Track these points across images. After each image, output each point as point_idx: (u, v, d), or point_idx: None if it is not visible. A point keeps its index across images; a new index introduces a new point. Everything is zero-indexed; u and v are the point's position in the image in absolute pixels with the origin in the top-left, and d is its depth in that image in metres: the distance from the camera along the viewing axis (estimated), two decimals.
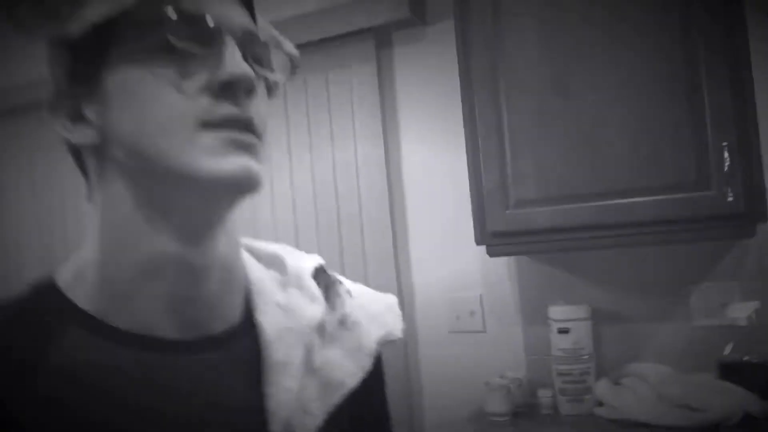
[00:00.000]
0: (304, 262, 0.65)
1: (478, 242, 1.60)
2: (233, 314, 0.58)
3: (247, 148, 0.51)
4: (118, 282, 0.53)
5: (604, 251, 1.70)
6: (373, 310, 0.67)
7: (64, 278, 0.55)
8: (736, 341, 1.54)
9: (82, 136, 0.53)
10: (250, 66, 0.52)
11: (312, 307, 0.62)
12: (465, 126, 1.61)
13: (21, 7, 0.50)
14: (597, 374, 1.67)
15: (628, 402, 1.55)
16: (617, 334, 1.73)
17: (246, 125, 0.51)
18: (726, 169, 1.36)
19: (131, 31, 0.50)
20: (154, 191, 0.51)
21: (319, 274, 0.65)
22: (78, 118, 0.53)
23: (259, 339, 0.57)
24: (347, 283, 0.68)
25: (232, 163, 0.49)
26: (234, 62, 0.50)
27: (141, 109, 0.50)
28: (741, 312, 1.52)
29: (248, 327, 0.58)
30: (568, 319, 1.66)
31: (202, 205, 0.52)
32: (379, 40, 1.96)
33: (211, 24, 0.51)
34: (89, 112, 0.52)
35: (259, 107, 0.53)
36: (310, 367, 0.59)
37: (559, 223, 1.51)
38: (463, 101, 1.61)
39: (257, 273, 0.61)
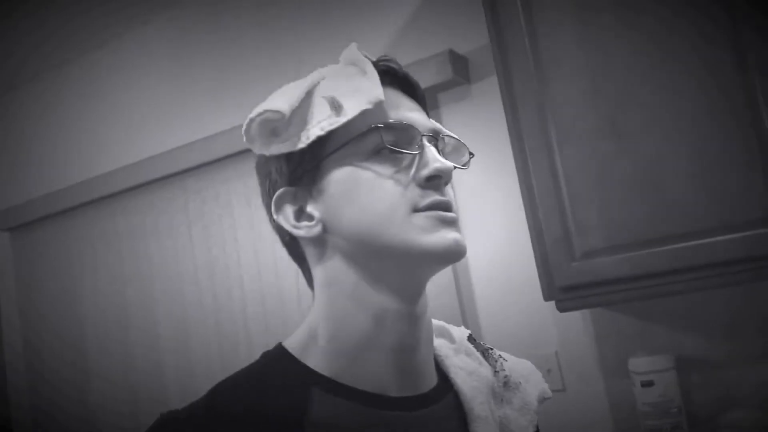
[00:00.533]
0: (461, 332, 0.76)
1: (546, 298, 1.55)
2: (433, 374, 0.67)
3: (453, 223, 0.61)
4: (350, 342, 0.61)
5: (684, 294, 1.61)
6: (523, 372, 0.77)
7: (293, 347, 0.63)
8: None
9: (307, 230, 0.62)
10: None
11: (482, 370, 0.71)
12: (519, 179, 1.59)
13: (252, 129, 0.61)
14: (690, 427, 1.57)
15: None
16: (707, 382, 1.63)
17: (447, 207, 0.61)
18: None
19: (348, 138, 0.60)
20: (372, 265, 0.61)
21: (472, 342, 0.75)
22: (301, 215, 0.63)
23: (459, 397, 0.66)
24: (496, 349, 0.78)
25: (444, 237, 0.60)
26: (436, 159, 0.61)
27: (363, 201, 0.60)
28: None
29: (445, 387, 0.67)
30: (651, 370, 1.57)
31: (415, 271, 0.62)
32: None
33: (414, 129, 0.62)
34: (312, 209, 0.62)
35: (449, 191, 0.64)
36: (494, 421, 0.68)
37: (630, 272, 1.45)
38: (514, 154, 1.59)
39: (435, 341, 0.70)
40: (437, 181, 0.61)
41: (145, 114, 2.53)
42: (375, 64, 0.66)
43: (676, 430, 1.55)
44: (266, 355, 0.65)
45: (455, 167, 0.66)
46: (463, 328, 0.78)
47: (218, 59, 2.36)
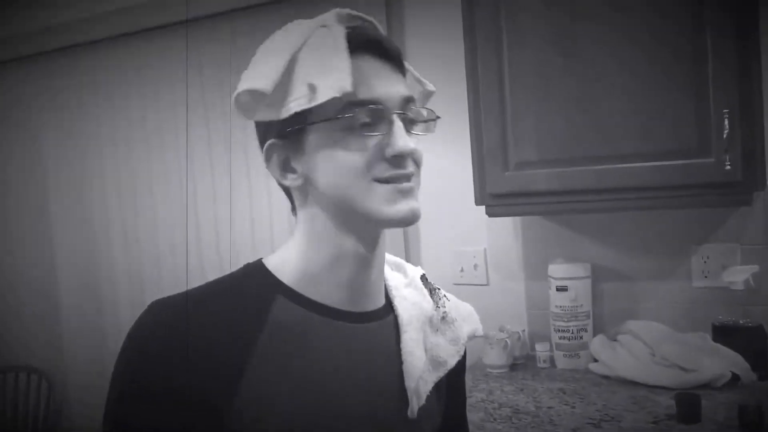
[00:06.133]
0: (416, 271, 0.89)
1: (478, 203, 1.61)
2: (380, 298, 0.80)
3: (411, 193, 0.72)
4: (314, 268, 0.75)
5: None
6: (462, 312, 0.89)
7: (271, 263, 0.77)
8: (733, 304, 1.54)
9: (292, 181, 0.74)
10: (413, 128, 0.74)
11: (424, 303, 0.84)
12: (468, 83, 1.60)
13: (241, 97, 0.70)
14: (595, 330, 1.71)
15: (622, 359, 1.59)
16: (617, 292, 1.75)
17: (405, 179, 0.71)
18: (725, 136, 1.33)
19: (325, 116, 0.69)
20: (341, 215, 0.73)
21: (423, 281, 0.88)
22: (287, 168, 0.75)
23: (397, 321, 0.81)
24: (442, 290, 0.91)
25: (403, 208, 0.70)
26: (402, 139, 0.69)
27: (335, 169, 0.70)
28: (739, 275, 1.52)
29: (388, 310, 0.81)
30: (567, 277, 1.68)
31: (375, 228, 0.74)
32: None
33: (385, 108, 0.70)
34: (295, 164, 0.74)
35: (417, 151, 0.72)
36: (425, 346, 0.82)
37: (558, 186, 1.51)
38: (466, 56, 1.59)
39: (389, 273, 0.85)
40: (401, 160, 0.70)
41: None
42: (350, 31, 0.71)
43: (581, 332, 1.68)
44: (247, 266, 0.78)
45: (425, 120, 0.75)
46: (419, 268, 0.90)
47: None
